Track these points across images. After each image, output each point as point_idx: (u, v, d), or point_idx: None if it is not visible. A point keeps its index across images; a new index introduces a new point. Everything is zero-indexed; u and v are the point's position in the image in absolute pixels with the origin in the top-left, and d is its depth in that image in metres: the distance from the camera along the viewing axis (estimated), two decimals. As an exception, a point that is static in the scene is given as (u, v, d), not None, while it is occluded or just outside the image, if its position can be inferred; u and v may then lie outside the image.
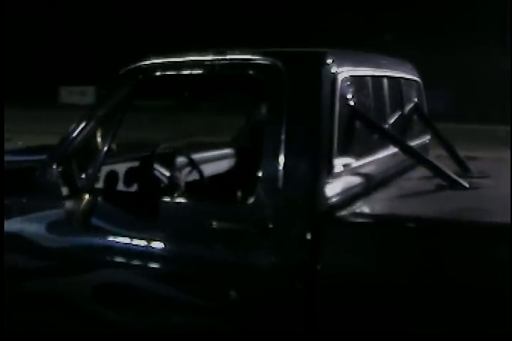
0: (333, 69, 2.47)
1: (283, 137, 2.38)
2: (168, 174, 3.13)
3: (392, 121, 3.14)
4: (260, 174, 2.41)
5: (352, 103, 2.59)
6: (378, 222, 2.35)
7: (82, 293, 2.73)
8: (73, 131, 2.79)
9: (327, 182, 2.37)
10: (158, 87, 3.07)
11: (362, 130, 2.65)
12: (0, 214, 2.83)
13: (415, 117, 3.59)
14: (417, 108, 3.58)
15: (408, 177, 3.00)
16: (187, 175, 3.23)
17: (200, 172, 3.29)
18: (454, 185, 2.78)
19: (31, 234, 2.82)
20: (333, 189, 2.40)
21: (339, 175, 2.44)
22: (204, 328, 2.50)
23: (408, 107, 3.47)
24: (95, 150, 2.76)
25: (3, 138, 2.96)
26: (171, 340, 2.51)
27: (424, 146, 3.66)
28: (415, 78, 3.70)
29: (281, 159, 2.37)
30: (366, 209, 2.43)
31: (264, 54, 2.50)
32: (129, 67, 2.75)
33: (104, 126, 2.79)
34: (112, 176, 3.19)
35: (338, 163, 2.43)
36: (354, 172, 2.59)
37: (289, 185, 2.35)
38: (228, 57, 2.57)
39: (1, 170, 2.93)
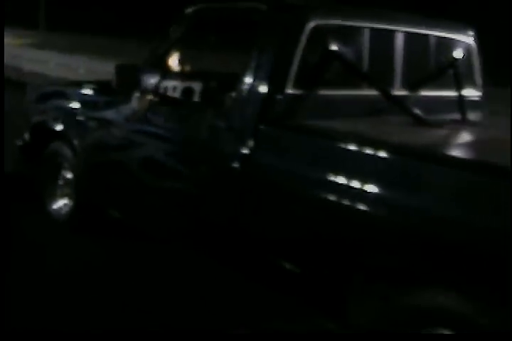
0: (306, 17, 3.31)
1: (254, 63, 3.32)
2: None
3: (393, 68, 3.79)
4: (236, 88, 3.39)
5: (326, 45, 3.39)
6: (308, 131, 3.18)
7: (134, 161, 4.03)
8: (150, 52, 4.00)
9: (278, 100, 3.26)
10: (204, 26, 4.12)
11: (331, 68, 3.44)
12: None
13: (452, 72, 4.11)
14: (451, 65, 4.10)
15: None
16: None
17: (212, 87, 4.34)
18: (419, 123, 3.49)
19: (113, 119, 4.12)
20: (282, 104, 3.28)
21: (291, 96, 3.30)
22: (185, 186, 3.66)
23: (434, 62, 4.05)
24: (162, 67, 3.96)
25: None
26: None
27: (472, 101, 4.21)
28: (461, 39, 4.22)
29: (249, 79, 3.32)
30: (304, 123, 3.26)
31: (261, 2, 3.44)
32: (187, 10, 3.85)
33: (170, 52, 3.94)
34: (189, 91, 4.35)
35: (292, 88, 3.29)
36: (308, 97, 3.36)
37: (251, 98, 3.30)
38: (236, 4, 3.56)
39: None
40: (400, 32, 3.81)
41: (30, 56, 16.54)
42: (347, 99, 3.55)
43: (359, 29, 3.60)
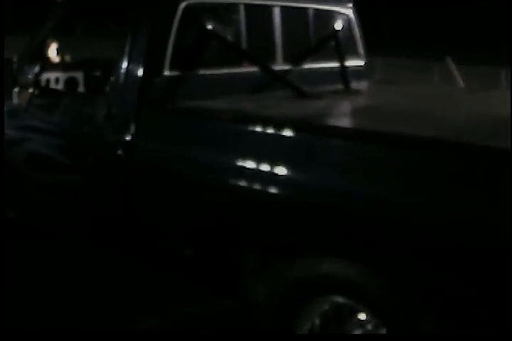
0: None
1: (129, 48, 3.27)
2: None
3: (273, 43, 3.81)
4: (112, 76, 3.33)
5: (200, 24, 3.36)
6: (187, 113, 3.15)
7: (21, 157, 3.90)
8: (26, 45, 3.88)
9: (156, 83, 3.22)
10: (79, 13, 4.02)
11: (209, 47, 3.42)
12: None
13: (333, 44, 4.15)
14: (332, 37, 4.14)
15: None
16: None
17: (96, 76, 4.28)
18: (302, 96, 3.52)
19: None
20: (160, 88, 3.24)
21: (169, 78, 3.26)
22: (75, 179, 3.59)
23: (314, 35, 4.09)
24: (41, 59, 3.85)
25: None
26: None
27: (356, 70, 4.27)
28: (340, 11, 4.27)
29: (125, 64, 3.27)
30: (184, 105, 3.23)
31: None
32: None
33: (48, 43, 3.83)
34: (73, 81, 4.25)
35: (169, 70, 3.25)
36: (187, 78, 3.33)
37: (127, 83, 3.25)
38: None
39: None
40: (277, 6, 3.82)
41: None
42: (228, 77, 3.54)
43: (234, 6, 3.59)
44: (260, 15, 3.75)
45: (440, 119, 2.86)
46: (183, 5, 3.28)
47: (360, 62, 4.39)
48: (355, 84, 4.01)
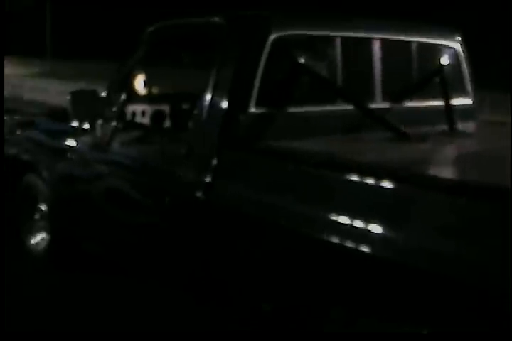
0: (267, 29, 3.03)
1: (214, 81, 3.05)
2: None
3: (372, 80, 3.50)
4: (195, 111, 3.12)
5: (291, 58, 3.11)
6: (275, 154, 2.88)
7: (100, 192, 3.79)
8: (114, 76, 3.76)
9: (240, 121, 2.98)
10: (168, 44, 3.86)
11: (300, 83, 3.15)
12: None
13: (439, 80, 3.80)
14: (437, 73, 3.79)
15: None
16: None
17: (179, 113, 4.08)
18: (401, 138, 3.18)
19: (78, 149, 3.88)
20: (244, 126, 2.99)
21: (255, 115, 3.01)
22: (150, 219, 3.39)
23: (418, 70, 3.75)
24: (128, 91, 3.71)
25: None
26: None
27: (463, 110, 3.89)
28: (446, 45, 3.92)
29: (208, 99, 3.05)
30: (271, 145, 2.96)
31: (216, 16, 3.17)
32: (148, 29, 3.59)
33: (136, 74, 3.69)
34: (160, 115, 4.08)
35: (256, 106, 3.00)
36: (274, 116, 3.07)
37: (210, 119, 3.02)
38: (196, 20, 3.29)
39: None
40: (377, 39, 3.52)
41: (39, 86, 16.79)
42: (320, 115, 3.25)
43: (329, 38, 3.31)
44: (358, 48, 3.46)
45: None
46: (273, 36, 3.05)
47: (468, 101, 4.01)
48: (461, 125, 3.62)
